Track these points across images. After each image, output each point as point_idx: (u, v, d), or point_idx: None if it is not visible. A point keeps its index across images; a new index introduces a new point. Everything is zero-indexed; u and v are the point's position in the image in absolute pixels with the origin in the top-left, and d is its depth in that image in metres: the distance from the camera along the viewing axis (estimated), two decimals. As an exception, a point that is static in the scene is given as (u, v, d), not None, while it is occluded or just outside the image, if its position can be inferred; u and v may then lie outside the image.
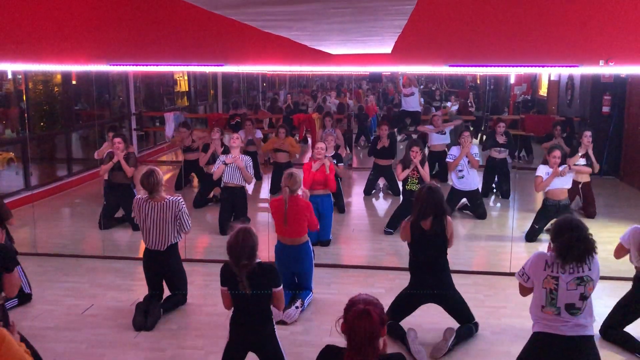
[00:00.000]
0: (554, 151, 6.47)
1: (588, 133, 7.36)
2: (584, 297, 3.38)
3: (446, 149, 9.25)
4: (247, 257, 3.43)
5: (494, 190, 8.90)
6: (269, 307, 3.63)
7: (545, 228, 6.70)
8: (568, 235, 3.34)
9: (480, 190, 7.82)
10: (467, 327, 4.43)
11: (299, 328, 4.62)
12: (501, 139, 8.50)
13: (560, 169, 6.39)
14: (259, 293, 3.48)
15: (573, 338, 3.39)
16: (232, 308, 3.65)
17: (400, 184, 7.18)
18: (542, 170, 6.51)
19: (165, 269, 4.89)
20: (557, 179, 6.42)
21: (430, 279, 4.38)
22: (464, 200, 7.81)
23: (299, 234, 4.95)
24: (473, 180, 7.52)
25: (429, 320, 4.61)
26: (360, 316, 2.29)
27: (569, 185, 6.57)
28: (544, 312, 3.45)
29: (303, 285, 5.09)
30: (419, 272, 4.43)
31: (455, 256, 6.38)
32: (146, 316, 4.63)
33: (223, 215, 6.99)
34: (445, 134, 9.41)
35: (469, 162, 7.41)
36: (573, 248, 3.32)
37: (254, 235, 3.53)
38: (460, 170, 7.45)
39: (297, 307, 4.79)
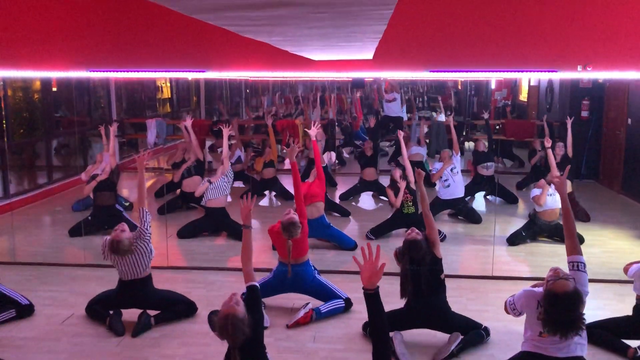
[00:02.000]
0: (540, 182, 6.71)
1: (561, 144, 7.62)
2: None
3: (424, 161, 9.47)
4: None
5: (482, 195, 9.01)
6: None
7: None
8: (559, 310, 3.28)
9: (464, 198, 7.87)
10: (476, 332, 4.40)
11: (281, 334, 4.59)
12: (486, 155, 8.59)
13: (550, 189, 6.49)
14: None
15: (569, 359, 3.38)
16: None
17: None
18: (536, 192, 6.66)
19: (143, 298, 4.74)
20: (548, 197, 6.50)
21: (424, 308, 4.35)
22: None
23: (301, 254, 4.91)
24: (459, 188, 7.59)
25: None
26: None
27: (559, 205, 6.66)
28: (542, 336, 3.42)
29: (329, 297, 4.97)
30: (412, 299, 4.35)
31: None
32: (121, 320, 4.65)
33: (198, 226, 7.03)
34: (423, 146, 9.57)
35: (452, 170, 7.49)
36: (559, 324, 3.28)
37: (242, 315, 3.15)
38: (445, 180, 7.52)
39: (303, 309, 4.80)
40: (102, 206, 7.00)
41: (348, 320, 4.85)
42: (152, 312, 4.73)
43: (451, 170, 7.50)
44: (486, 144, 8.76)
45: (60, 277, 5.84)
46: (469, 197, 8.54)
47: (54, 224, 8.27)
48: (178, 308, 4.83)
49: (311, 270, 5.01)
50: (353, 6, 1.64)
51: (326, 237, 6.60)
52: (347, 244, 6.55)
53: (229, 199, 7.27)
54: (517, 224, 7.24)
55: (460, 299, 5.25)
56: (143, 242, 4.61)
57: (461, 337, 4.30)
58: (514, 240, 6.76)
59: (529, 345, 3.53)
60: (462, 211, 7.73)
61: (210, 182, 6.82)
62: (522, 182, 9.56)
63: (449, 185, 7.52)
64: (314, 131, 6.42)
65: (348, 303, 4.94)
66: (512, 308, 3.64)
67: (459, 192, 7.62)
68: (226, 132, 6.97)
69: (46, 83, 9.73)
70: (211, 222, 6.99)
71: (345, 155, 12.38)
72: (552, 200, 6.52)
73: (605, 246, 6.76)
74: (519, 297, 3.60)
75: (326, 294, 4.95)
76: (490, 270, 5.87)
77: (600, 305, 4.97)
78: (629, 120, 9.19)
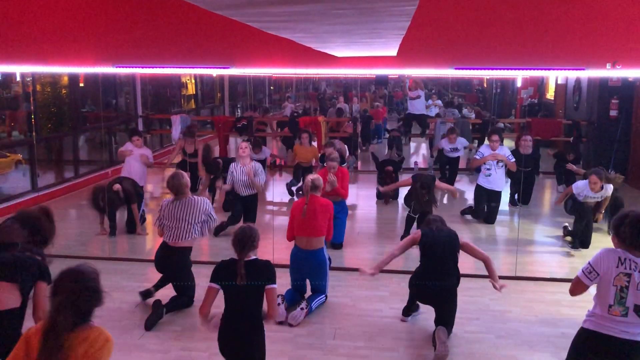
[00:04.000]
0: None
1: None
2: None
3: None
4: (250, 246, 3.51)
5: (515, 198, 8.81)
6: (260, 310, 3.53)
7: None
8: (632, 225, 3.11)
9: (501, 195, 7.71)
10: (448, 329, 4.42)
11: (302, 331, 4.61)
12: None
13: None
14: (253, 286, 3.44)
15: (626, 342, 3.14)
16: (209, 313, 3.57)
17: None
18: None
19: (171, 267, 4.96)
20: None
21: (435, 283, 4.39)
22: (470, 203, 7.78)
23: (317, 233, 4.96)
24: (500, 180, 7.49)
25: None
26: None
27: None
28: (611, 312, 3.15)
29: (316, 289, 5.08)
30: (425, 271, 4.46)
31: (461, 260, 6.37)
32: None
33: (232, 220, 7.05)
34: (459, 150, 9.38)
35: (498, 162, 7.40)
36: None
37: (257, 231, 3.63)
38: (488, 169, 7.41)
39: (302, 309, 4.78)
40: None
41: (368, 317, 4.84)
42: (164, 300, 4.85)
43: (497, 162, 7.40)
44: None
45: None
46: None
47: (79, 217, 8.40)
48: (181, 301, 4.96)
49: (325, 261, 5.07)
50: (376, 2, 1.63)
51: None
52: (336, 238, 6.43)
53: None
54: (540, 224, 7.14)
55: (483, 299, 5.21)
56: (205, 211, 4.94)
57: (446, 330, 4.30)
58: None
59: (593, 323, 3.23)
60: (490, 206, 7.61)
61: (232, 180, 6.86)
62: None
63: (490, 175, 7.41)
64: (333, 179, 6.40)
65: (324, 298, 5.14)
66: (587, 272, 3.22)
67: (499, 186, 7.51)
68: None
69: (74, 78, 9.89)
70: (239, 209, 7.07)
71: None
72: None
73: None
74: (598, 257, 3.23)
75: (321, 286, 5.08)
76: (514, 270, 5.80)
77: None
78: (660, 120, 8.99)
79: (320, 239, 5.02)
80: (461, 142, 9.34)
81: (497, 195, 7.52)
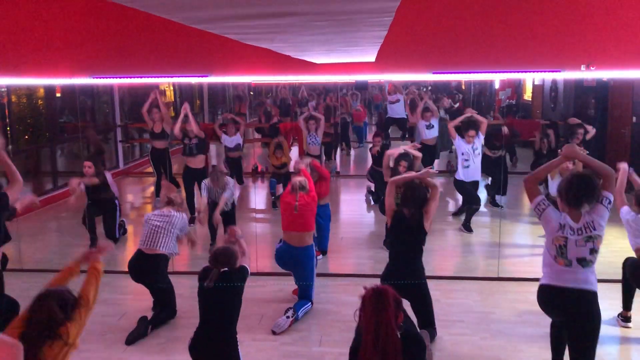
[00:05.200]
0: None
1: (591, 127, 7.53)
2: (595, 251, 3.45)
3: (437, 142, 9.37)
4: (225, 260, 3.59)
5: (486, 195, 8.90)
6: (234, 323, 3.62)
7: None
8: (571, 181, 3.48)
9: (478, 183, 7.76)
10: (430, 331, 4.44)
11: (288, 339, 4.60)
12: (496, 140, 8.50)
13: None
14: (226, 293, 3.53)
15: (575, 290, 3.44)
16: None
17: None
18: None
19: (145, 274, 4.92)
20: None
21: (403, 267, 4.40)
22: (460, 203, 7.81)
23: (308, 228, 5.02)
24: (478, 170, 7.52)
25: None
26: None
27: None
28: (557, 262, 3.50)
29: (302, 295, 5.09)
30: (394, 258, 4.49)
31: (444, 262, 6.42)
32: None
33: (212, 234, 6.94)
34: (434, 127, 9.43)
35: (475, 151, 7.42)
36: (574, 190, 3.44)
37: (236, 253, 3.69)
38: (466, 160, 7.43)
39: (287, 317, 4.77)
40: (98, 200, 6.88)
41: (353, 323, 4.82)
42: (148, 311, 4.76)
43: (474, 150, 7.42)
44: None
45: (66, 284, 5.84)
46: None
47: (59, 229, 8.29)
48: (165, 314, 4.94)
49: (312, 258, 5.09)
50: (353, 14, 1.64)
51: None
52: (322, 246, 6.43)
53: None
54: (521, 225, 7.21)
55: (467, 301, 5.25)
56: (178, 222, 5.02)
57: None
58: None
59: (546, 277, 3.60)
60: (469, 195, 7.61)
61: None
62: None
63: (468, 166, 7.40)
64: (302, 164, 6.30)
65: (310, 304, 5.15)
66: (537, 204, 3.62)
67: (477, 176, 7.53)
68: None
69: (50, 89, 9.77)
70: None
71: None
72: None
73: (610, 246, 6.73)
74: (552, 210, 3.60)
75: (307, 288, 5.09)
76: (497, 271, 5.86)
77: (606, 306, 4.93)
78: (634, 119, 9.14)
79: (310, 233, 5.09)
80: (434, 121, 9.44)
81: (476, 184, 7.61)
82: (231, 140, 8.84)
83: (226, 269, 3.59)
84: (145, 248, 4.89)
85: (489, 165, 8.41)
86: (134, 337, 4.62)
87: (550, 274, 3.55)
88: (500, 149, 8.47)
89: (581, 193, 3.43)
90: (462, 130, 7.47)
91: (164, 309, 4.92)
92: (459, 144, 7.39)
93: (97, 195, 6.75)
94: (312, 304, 5.10)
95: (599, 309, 3.46)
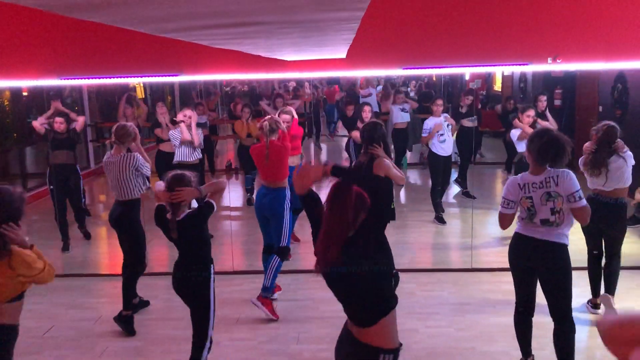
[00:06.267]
0: (528, 110, 6.74)
1: (543, 97, 7.54)
2: (555, 212, 3.53)
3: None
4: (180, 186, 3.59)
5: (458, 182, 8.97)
6: (207, 250, 3.73)
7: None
8: (541, 140, 3.59)
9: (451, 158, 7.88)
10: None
11: (265, 337, 4.61)
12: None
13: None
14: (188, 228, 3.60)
15: (546, 242, 3.58)
16: None
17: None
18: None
19: (121, 221, 4.94)
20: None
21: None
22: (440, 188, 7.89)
23: (281, 177, 5.10)
24: (451, 144, 7.62)
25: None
26: None
27: None
28: (527, 221, 3.64)
29: (274, 240, 5.10)
30: None
31: (418, 254, 6.49)
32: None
33: None
34: (407, 112, 9.51)
35: (448, 125, 7.52)
36: (545, 151, 3.55)
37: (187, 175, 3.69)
38: (441, 135, 7.45)
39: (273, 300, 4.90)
40: (59, 165, 6.90)
41: (332, 319, 4.87)
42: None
43: (447, 125, 7.53)
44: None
45: (39, 289, 5.75)
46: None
47: (30, 233, 8.12)
48: (134, 272, 4.93)
49: (284, 199, 5.12)
50: (319, 22, 1.65)
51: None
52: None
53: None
54: (493, 215, 7.29)
55: (442, 293, 5.33)
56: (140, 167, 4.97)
57: None
58: None
59: (520, 227, 3.73)
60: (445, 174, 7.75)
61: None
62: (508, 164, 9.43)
63: (444, 140, 7.45)
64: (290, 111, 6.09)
65: (284, 253, 5.09)
66: (505, 205, 3.68)
67: (451, 150, 7.64)
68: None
69: (16, 89, 9.56)
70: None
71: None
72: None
73: (579, 233, 6.89)
74: (506, 189, 3.71)
75: (277, 235, 5.09)
76: (470, 262, 5.95)
77: (578, 293, 5.07)
78: (600, 108, 9.35)
79: (284, 181, 5.15)
80: (407, 105, 9.54)
81: (449, 159, 7.73)
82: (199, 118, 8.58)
83: (185, 214, 3.60)
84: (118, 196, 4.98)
85: (466, 136, 8.45)
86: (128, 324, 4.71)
87: (524, 225, 3.69)
88: (472, 115, 8.53)
89: (552, 152, 3.55)
90: (431, 108, 7.64)
91: (134, 263, 4.95)
92: (430, 123, 7.51)
93: (62, 155, 6.94)
94: (282, 258, 5.05)
95: (568, 260, 3.61)
